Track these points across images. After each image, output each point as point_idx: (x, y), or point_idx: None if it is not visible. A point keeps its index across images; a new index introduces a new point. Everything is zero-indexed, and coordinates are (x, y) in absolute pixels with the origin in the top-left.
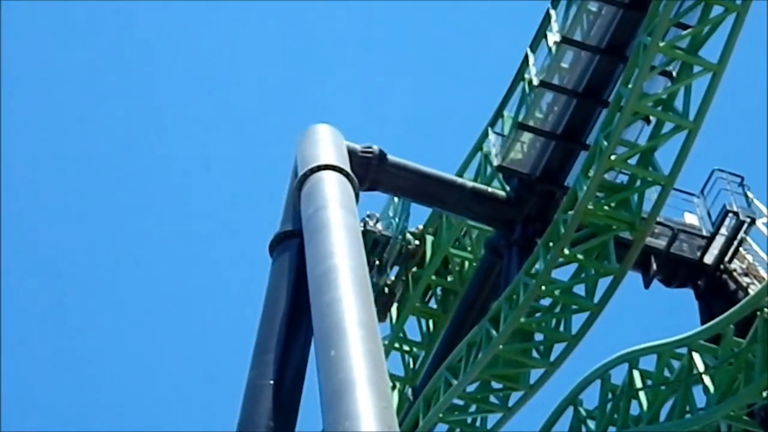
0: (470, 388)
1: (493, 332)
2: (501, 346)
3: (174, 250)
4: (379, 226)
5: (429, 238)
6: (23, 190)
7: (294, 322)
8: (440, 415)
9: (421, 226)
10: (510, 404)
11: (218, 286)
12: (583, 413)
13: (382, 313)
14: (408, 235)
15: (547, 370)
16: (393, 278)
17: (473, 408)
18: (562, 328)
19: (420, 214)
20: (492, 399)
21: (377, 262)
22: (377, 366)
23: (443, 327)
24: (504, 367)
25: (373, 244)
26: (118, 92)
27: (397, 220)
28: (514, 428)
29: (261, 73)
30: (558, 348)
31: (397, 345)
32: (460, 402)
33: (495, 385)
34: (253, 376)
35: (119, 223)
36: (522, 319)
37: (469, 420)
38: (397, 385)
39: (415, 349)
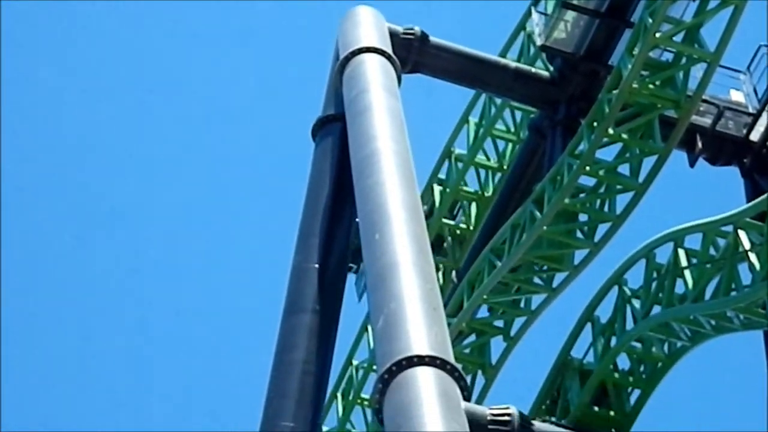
0: (514, 270)
1: (537, 214)
2: (545, 228)
3: (216, 137)
4: None
5: (472, 120)
6: (23, 190)
7: (338, 205)
8: (484, 296)
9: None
10: (554, 285)
11: (262, 172)
12: (628, 293)
13: None
14: None
15: (591, 251)
16: None
17: (517, 289)
18: (606, 209)
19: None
20: (536, 280)
21: None
22: (422, 248)
23: (486, 209)
24: (548, 248)
25: None
26: None
27: None
28: (559, 309)
29: None
30: (602, 228)
31: (440, 227)
32: (505, 283)
33: (539, 266)
34: (299, 260)
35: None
36: (566, 200)
37: (513, 301)
38: (441, 268)
39: (458, 232)
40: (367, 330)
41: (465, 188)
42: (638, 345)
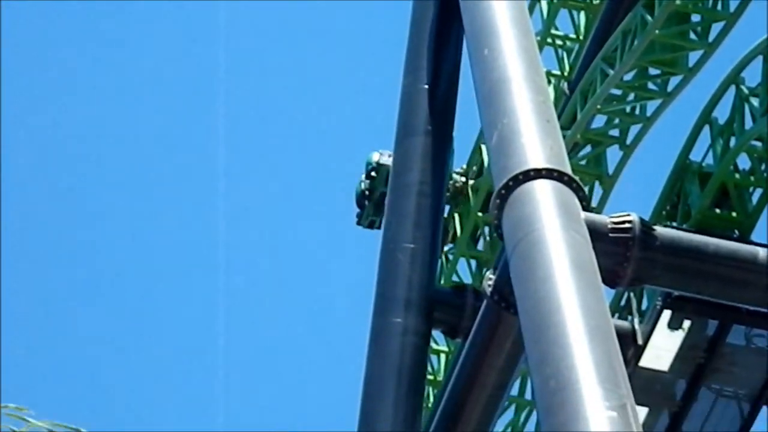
0: (627, 77)
1: (648, 17)
2: (657, 31)
3: None
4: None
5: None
6: (24, 190)
7: (444, 24)
8: (598, 106)
9: (464, 166)
10: (669, 89)
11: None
12: (746, 91)
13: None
14: (454, 176)
15: (705, 52)
16: (446, 216)
17: (631, 96)
18: (719, 7)
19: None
20: (650, 86)
21: None
22: (532, 61)
23: (596, 18)
24: (661, 51)
25: None
26: None
27: None
28: (675, 113)
29: None
30: (716, 27)
31: (549, 40)
32: (618, 92)
33: (653, 71)
34: (407, 82)
35: None
36: (677, 1)
37: (628, 109)
38: (552, 80)
39: (568, 43)
40: (480, 149)
41: None
42: (758, 144)
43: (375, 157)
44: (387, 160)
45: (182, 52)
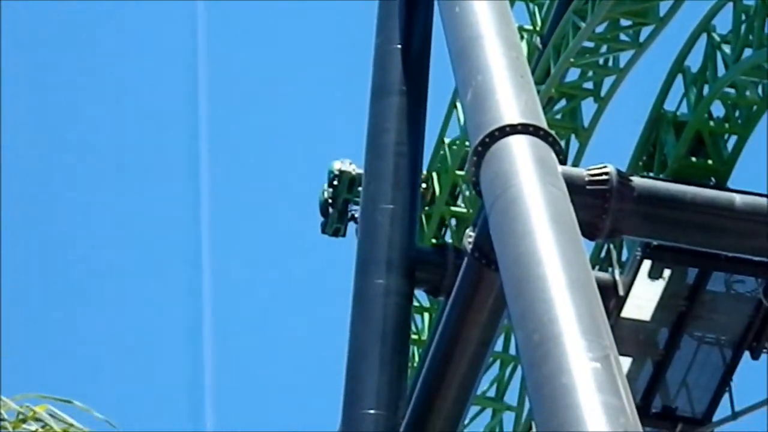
0: (599, 29)
1: None
2: None
3: None
4: None
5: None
6: (23, 190)
7: None
8: (571, 60)
9: (425, 172)
10: (641, 40)
11: None
12: (717, 39)
13: None
14: None
15: (676, 1)
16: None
17: (604, 48)
18: None
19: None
20: (622, 37)
21: None
22: (504, 17)
23: None
24: (632, 2)
25: None
26: None
27: None
28: (647, 65)
29: None
30: None
31: None
32: (591, 44)
33: (624, 22)
34: (380, 42)
35: None
36: None
37: (601, 61)
38: (525, 36)
39: None
40: (456, 107)
41: None
42: (731, 91)
43: (336, 165)
44: (348, 167)
45: (183, 51)
